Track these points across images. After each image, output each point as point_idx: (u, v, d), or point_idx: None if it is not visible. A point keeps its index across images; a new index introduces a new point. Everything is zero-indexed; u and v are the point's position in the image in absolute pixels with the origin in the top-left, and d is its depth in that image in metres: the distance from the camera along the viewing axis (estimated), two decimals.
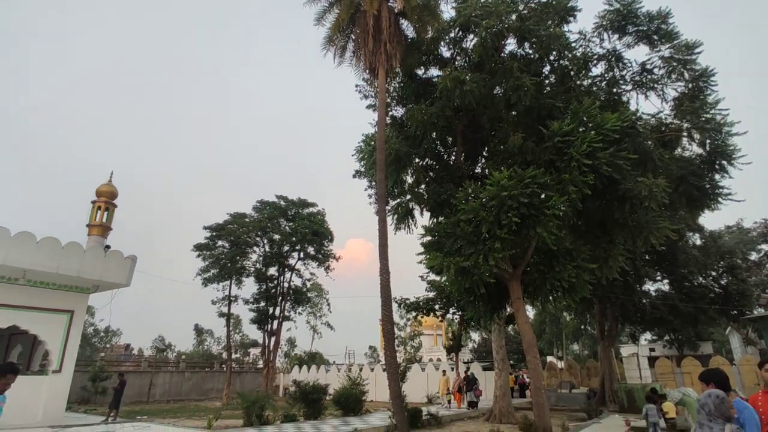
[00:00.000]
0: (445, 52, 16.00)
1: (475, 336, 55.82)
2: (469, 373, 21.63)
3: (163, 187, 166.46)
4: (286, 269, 31.12)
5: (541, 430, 11.72)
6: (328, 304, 43.51)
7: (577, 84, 14.61)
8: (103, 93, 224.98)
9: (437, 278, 20.64)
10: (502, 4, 13.20)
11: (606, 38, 14.56)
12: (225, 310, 29.31)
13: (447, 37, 15.41)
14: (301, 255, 31.40)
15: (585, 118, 12.01)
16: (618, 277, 15.42)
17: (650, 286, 27.10)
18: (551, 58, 14.59)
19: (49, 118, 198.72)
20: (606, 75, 14.80)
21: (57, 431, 12.64)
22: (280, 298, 30.61)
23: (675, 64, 13.86)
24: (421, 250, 13.78)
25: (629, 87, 14.78)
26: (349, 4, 14.46)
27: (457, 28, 14.56)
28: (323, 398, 17.07)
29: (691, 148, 15.15)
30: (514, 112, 14.27)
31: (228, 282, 29.01)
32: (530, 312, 21.38)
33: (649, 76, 14.39)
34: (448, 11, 15.05)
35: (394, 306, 16.51)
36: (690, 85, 14.08)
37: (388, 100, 15.81)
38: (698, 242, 25.82)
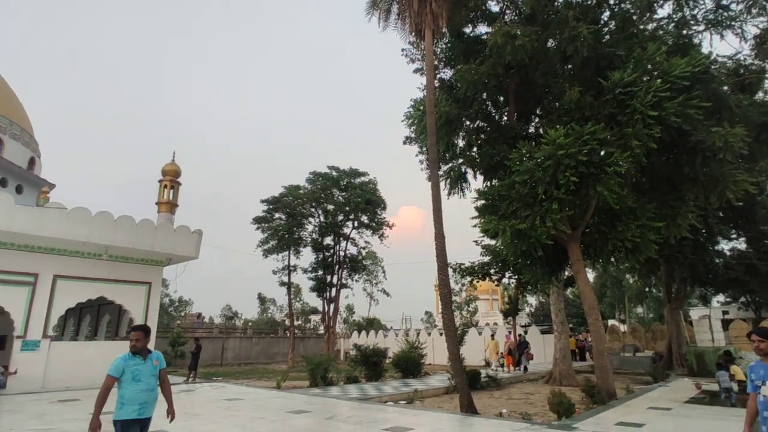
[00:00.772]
0: (494, 7, 15.23)
1: (532, 300, 55.15)
2: (519, 336, 21.51)
3: (223, 163, 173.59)
4: (341, 238, 31.91)
5: (604, 393, 11.53)
6: (383, 272, 44.36)
7: (640, 29, 13.43)
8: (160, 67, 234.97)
9: (492, 242, 20.38)
10: None
11: None
12: (285, 279, 30.76)
13: None
14: (355, 224, 32.01)
15: (650, 66, 11.14)
16: (688, 235, 14.48)
17: (724, 245, 25.32)
18: (611, 2, 13.51)
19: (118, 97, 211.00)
20: (674, 16, 13.48)
21: None
22: (337, 266, 31.56)
23: None
24: (475, 214, 13.63)
25: (701, 27, 13.39)
26: None
27: None
28: (383, 361, 17.67)
29: None
30: (569, 66, 13.46)
31: (287, 252, 30.27)
32: (590, 275, 20.69)
33: (725, 13, 12.98)
34: None
35: (450, 272, 16.52)
36: None
37: (436, 63, 15.35)
38: None
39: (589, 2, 13.37)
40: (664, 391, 13.59)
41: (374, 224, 32.22)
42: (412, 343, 19.91)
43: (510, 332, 23.25)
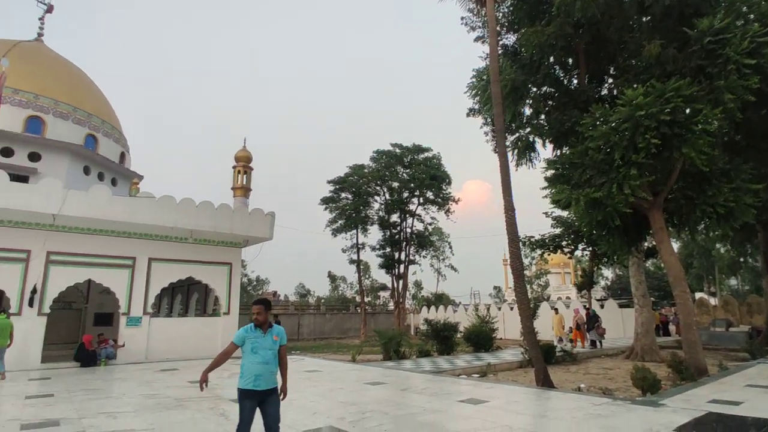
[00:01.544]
0: None
1: (608, 273, 52.42)
2: (590, 310, 20.59)
3: (287, 146, 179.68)
4: (407, 215, 32.07)
5: (693, 368, 10.81)
6: (450, 247, 44.09)
7: None
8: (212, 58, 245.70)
9: (564, 213, 19.55)
10: None
11: None
12: (354, 257, 31.56)
13: None
14: (421, 200, 31.96)
15: (745, 9, 9.96)
16: None
17: None
18: None
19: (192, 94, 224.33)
20: None
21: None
22: (404, 243, 31.84)
23: None
24: (545, 185, 13.11)
25: None
26: None
27: None
28: (454, 335, 17.76)
29: None
30: (648, 18, 12.33)
31: (354, 231, 30.97)
32: (674, 244, 19.15)
33: None
34: None
35: (519, 245, 16.09)
36: None
37: (498, 28, 14.69)
38: None
39: None
40: (764, 368, 12.48)
41: (440, 200, 31.98)
42: (483, 317, 19.81)
43: (585, 306, 22.31)
